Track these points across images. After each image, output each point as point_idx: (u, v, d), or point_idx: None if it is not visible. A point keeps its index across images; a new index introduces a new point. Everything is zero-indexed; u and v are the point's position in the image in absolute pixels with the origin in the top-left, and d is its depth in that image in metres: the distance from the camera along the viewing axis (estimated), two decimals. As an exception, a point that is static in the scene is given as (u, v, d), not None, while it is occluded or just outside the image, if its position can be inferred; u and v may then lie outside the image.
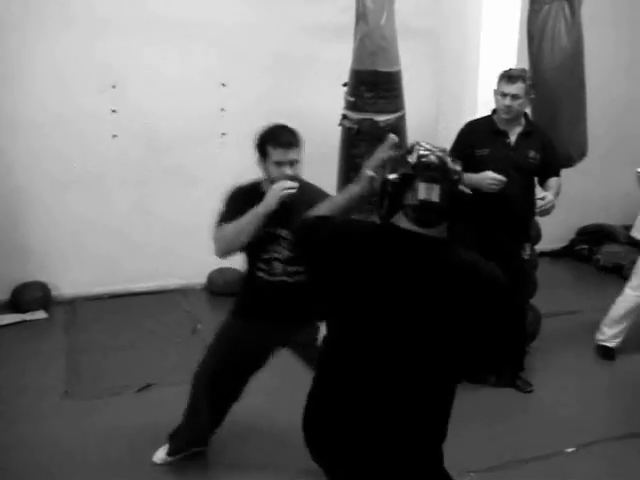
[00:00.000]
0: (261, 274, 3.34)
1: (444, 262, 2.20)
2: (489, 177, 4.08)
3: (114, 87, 5.40)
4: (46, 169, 5.40)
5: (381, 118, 4.35)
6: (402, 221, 2.24)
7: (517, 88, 4.08)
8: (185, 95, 5.54)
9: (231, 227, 3.20)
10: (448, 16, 4.97)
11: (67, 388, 4.39)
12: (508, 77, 4.11)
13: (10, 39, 5.16)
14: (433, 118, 4.87)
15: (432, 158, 2.22)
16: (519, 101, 4.10)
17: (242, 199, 3.30)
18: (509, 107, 4.11)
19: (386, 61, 4.30)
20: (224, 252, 3.26)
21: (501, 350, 2.28)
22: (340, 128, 4.61)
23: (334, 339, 2.36)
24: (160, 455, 3.73)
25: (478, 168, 4.11)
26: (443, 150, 2.29)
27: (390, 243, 2.25)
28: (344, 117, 4.47)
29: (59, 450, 3.81)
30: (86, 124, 5.38)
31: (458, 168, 2.26)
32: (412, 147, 2.28)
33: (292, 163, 3.19)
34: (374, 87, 4.32)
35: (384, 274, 2.22)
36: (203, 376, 3.47)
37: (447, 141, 4.55)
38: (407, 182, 2.20)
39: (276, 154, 3.17)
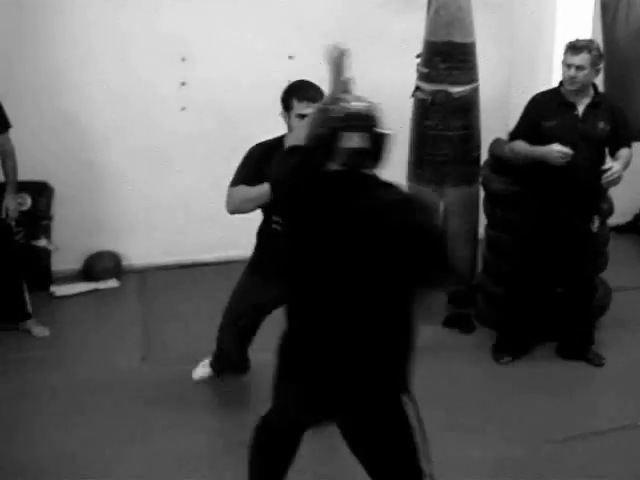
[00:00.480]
0: (275, 226, 3.44)
1: (380, 195, 2.47)
2: (555, 150, 4.05)
3: (184, 60, 5.46)
4: (118, 142, 5.48)
5: (455, 89, 4.36)
6: (336, 166, 2.49)
7: (582, 59, 4.03)
8: (253, 67, 5.56)
9: (242, 194, 3.39)
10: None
11: (144, 354, 4.51)
12: (573, 48, 4.06)
13: (77, 11, 5.23)
14: (505, 90, 4.83)
15: (358, 108, 2.49)
16: (584, 72, 4.05)
17: (260, 157, 3.47)
18: (573, 78, 4.07)
19: (461, 32, 4.30)
20: (233, 212, 3.47)
21: (438, 262, 2.50)
22: (411, 100, 4.62)
23: (299, 279, 2.60)
24: (199, 372, 4.16)
25: (545, 140, 4.10)
26: (364, 99, 2.59)
27: (332, 186, 2.50)
28: (417, 89, 4.48)
29: (140, 416, 3.93)
30: (155, 97, 5.44)
31: (379, 114, 2.53)
32: (336, 99, 2.57)
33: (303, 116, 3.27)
34: (449, 58, 4.32)
35: (332, 213, 2.47)
36: (225, 316, 3.87)
37: (519, 113, 4.55)
38: (337, 133, 2.43)
39: (300, 107, 3.31)
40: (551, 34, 4.53)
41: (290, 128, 3.38)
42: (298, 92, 3.36)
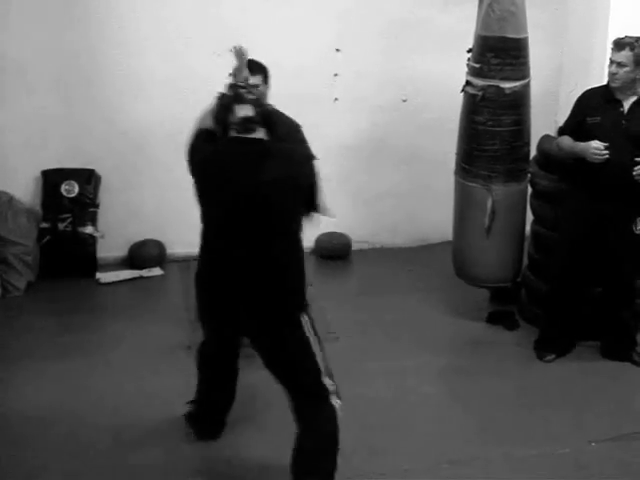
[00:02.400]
0: None
1: (271, 150, 3.13)
2: (592, 147, 4.03)
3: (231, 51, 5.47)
4: (164, 130, 5.52)
5: (507, 85, 4.33)
6: (233, 133, 3.12)
7: (623, 56, 3.99)
8: (299, 59, 5.57)
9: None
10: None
11: (190, 343, 4.54)
12: (616, 44, 4.03)
13: (135, 4, 5.28)
14: (555, 86, 4.80)
15: (242, 89, 3.26)
16: (625, 69, 4.00)
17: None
18: (614, 75, 4.04)
19: (514, 27, 4.26)
20: None
21: (311, 200, 3.18)
22: (455, 94, 4.59)
23: (209, 223, 3.21)
24: None
25: (589, 136, 4.07)
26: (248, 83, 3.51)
27: (234, 146, 3.14)
28: (467, 84, 4.45)
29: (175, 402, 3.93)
30: (204, 86, 5.44)
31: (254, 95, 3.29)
32: (234, 86, 3.34)
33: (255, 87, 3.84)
34: (501, 53, 4.29)
35: (236, 166, 3.09)
36: None
37: (568, 109, 4.51)
38: (230, 107, 3.13)
39: None
40: (604, 30, 4.48)
41: None
42: None
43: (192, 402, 3.75)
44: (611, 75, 4.05)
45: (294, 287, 3.23)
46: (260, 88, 4.07)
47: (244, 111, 3.13)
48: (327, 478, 3.25)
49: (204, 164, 3.20)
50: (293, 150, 3.35)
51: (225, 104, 3.21)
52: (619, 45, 4.01)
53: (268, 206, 3.05)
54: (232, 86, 3.36)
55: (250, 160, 3.08)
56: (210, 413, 3.76)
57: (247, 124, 3.12)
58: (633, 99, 4.11)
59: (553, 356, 4.48)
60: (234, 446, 3.68)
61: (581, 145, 4.08)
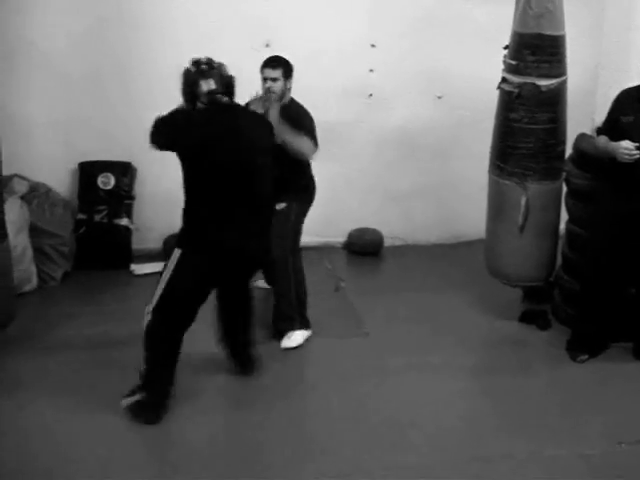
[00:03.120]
0: None
1: (245, 111, 3.99)
2: (622, 146, 3.99)
3: (267, 46, 5.51)
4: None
5: (543, 82, 4.29)
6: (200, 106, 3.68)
7: None
8: (335, 55, 5.58)
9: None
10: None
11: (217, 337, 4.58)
12: None
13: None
14: (592, 84, 4.75)
15: (205, 66, 3.72)
16: None
17: None
18: None
19: (552, 24, 4.22)
20: None
21: None
22: (490, 91, 4.56)
23: (221, 183, 3.64)
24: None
25: (623, 136, 4.03)
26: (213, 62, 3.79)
27: (213, 112, 3.69)
28: (503, 80, 4.42)
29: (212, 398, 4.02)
30: (239, 82, 5.48)
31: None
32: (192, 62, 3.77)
33: (273, 80, 4.35)
34: (538, 51, 4.25)
35: (226, 127, 3.67)
36: None
37: (605, 107, 4.47)
38: (197, 83, 3.66)
39: (265, 71, 4.40)
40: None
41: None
42: (265, 61, 4.43)
43: (142, 389, 3.75)
44: None
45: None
46: (279, 82, 4.37)
47: (208, 85, 3.67)
48: None
49: (212, 130, 3.65)
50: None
51: (191, 80, 3.70)
52: None
53: (265, 152, 3.77)
54: (195, 62, 3.76)
55: (246, 119, 3.84)
56: (164, 396, 3.79)
57: (212, 96, 3.66)
58: None
59: (586, 356, 4.44)
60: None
61: (612, 144, 4.04)
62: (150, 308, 3.70)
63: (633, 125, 4.05)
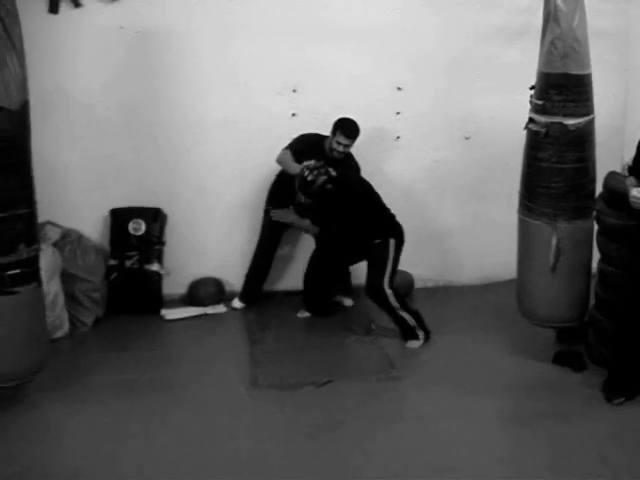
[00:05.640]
0: None
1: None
2: (631, 195, 4.00)
3: (295, 91, 5.57)
4: (228, 171, 5.63)
5: (571, 122, 4.28)
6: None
7: None
8: (361, 99, 5.61)
9: (285, 158, 5.25)
10: (636, 17, 4.80)
11: (252, 379, 4.58)
12: None
13: (190, 46, 5.43)
14: (621, 121, 4.72)
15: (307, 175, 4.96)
16: None
17: (307, 145, 5.28)
18: None
19: (578, 64, 4.22)
20: (277, 162, 5.36)
21: None
22: (518, 131, 4.56)
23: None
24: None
25: None
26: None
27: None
28: (530, 120, 4.41)
29: (242, 441, 3.98)
30: (267, 127, 5.56)
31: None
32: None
33: (346, 146, 5.22)
34: (564, 90, 4.25)
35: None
36: None
37: (634, 144, 4.43)
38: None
39: (340, 138, 5.19)
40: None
41: (329, 143, 5.26)
42: (345, 128, 5.21)
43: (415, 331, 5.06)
44: None
45: None
46: (348, 145, 5.23)
47: (300, 198, 4.98)
48: None
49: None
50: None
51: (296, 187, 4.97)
52: None
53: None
54: (305, 168, 4.94)
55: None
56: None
57: (300, 207, 5.03)
58: None
59: (622, 399, 4.34)
60: None
61: (631, 191, 4.03)
62: (386, 284, 4.95)
63: None
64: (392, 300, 4.97)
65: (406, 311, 5.03)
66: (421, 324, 5.07)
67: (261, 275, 5.65)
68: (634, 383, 4.38)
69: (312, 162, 5.03)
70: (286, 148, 5.28)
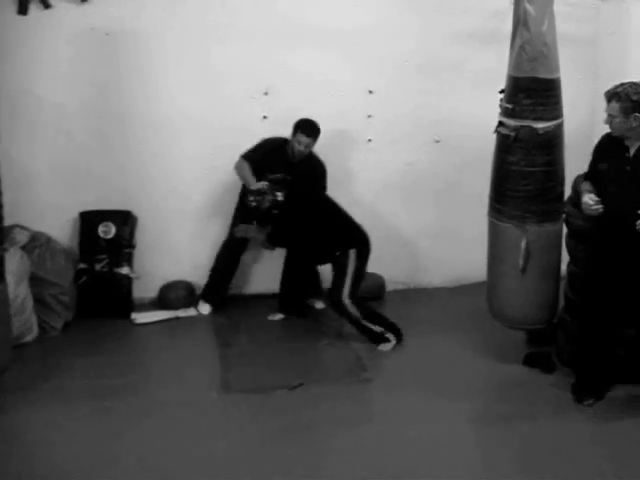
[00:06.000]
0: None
1: None
2: (583, 201, 4.07)
3: (266, 94, 5.56)
4: (198, 172, 5.61)
5: (540, 125, 4.31)
6: None
7: (612, 108, 3.99)
8: (332, 102, 5.62)
9: (242, 171, 5.22)
10: (606, 22, 4.86)
11: (223, 383, 4.56)
12: (605, 95, 4.03)
13: (163, 45, 5.41)
14: (589, 125, 4.77)
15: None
16: (617, 120, 3.99)
17: (267, 151, 5.26)
18: (609, 125, 4.06)
19: (546, 68, 4.25)
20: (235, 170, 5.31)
21: None
22: (488, 134, 4.58)
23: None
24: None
25: (598, 182, 4.12)
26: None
27: None
28: (500, 124, 4.44)
29: (214, 444, 3.96)
30: (238, 130, 5.53)
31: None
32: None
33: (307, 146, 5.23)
34: (533, 94, 4.28)
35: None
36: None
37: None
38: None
39: (301, 137, 5.19)
40: (637, 69, 4.45)
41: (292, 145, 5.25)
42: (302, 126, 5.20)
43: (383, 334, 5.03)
44: (608, 125, 4.07)
45: None
46: (309, 144, 5.22)
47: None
48: None
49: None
50: None
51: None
52: (607, 96, 4.02)
53: None
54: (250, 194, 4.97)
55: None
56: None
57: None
58: (638, 144, 4.06)
59: (592, 400, 4.37)
60: None
61: (582, 197, 4.12)
62: (345, 296, 4.90)
63: (607, 171, 4.12)
64: (352, 310, 4.96)
65: (369, 319, 5.02)
66: (391, 327, 5.08)
67: (226, 276, 5.63)
68: (602, 384, 4.42)
69: (262, 183, 5.02)
70: (244, 157, 5.26)
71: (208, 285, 5.62)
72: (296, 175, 5.23)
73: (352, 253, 4.98)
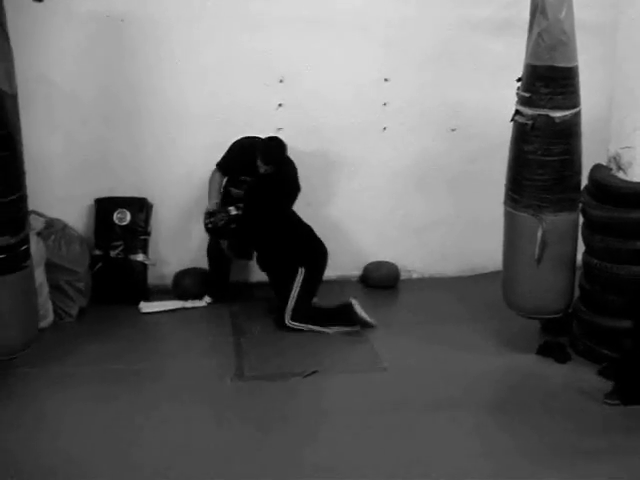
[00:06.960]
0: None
1: None
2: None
3: (281, 81, 5.55)
4: (213, 160, 5.58)
5: (557, 114, 4.28)
6: None
7: None
8: (348, 89, 5.61)
9: (209, 186, 5.31)
10: (625, 9, 4.79)
11: (237, 370, 4.57)
12: None
13: (175, 32, 5.41)
14: (606, 114, 4.72)
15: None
16: None
17: (237, 156, 5.26)
18: None
19: (565, 56, 4.23)
20: None
21: None
22: (504, 123, 4.56)
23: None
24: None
25: None
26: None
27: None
28: (517, 113, 4.42)
29: (226, 431, 3.99)
30: (253, 118, 5.53)
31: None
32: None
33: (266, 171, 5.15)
34: (551, 83, 4.25)
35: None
36: None
37: (620, 137, 4.46)
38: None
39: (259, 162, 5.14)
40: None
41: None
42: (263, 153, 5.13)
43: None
44: None
45: None
46: (270, 169, 5.11)
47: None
48: None
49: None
50: None
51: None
52: None
53: None
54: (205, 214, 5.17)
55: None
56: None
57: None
58: None
59: (617, 402, 4.24)
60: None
61: None
62: (287, 318, 5.02)
63: None
64: (300, 327, 5.04)
65: (319, 324, 5.06)
66: (339, 320, 5.12)
67: (219, 270, 5.51)
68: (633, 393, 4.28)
69: (213, 203, 5.20)
70: (218, 165, 5.31)
71: (207, 278, 5.58)
72: (264, 179, 5.19)
73: (300, 272, 5.05)
